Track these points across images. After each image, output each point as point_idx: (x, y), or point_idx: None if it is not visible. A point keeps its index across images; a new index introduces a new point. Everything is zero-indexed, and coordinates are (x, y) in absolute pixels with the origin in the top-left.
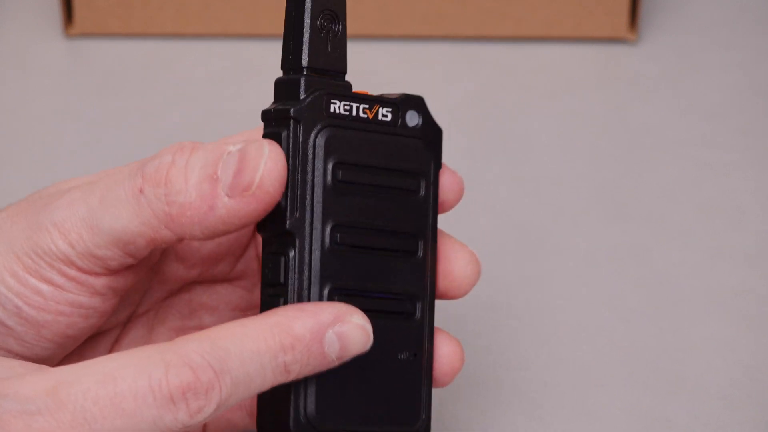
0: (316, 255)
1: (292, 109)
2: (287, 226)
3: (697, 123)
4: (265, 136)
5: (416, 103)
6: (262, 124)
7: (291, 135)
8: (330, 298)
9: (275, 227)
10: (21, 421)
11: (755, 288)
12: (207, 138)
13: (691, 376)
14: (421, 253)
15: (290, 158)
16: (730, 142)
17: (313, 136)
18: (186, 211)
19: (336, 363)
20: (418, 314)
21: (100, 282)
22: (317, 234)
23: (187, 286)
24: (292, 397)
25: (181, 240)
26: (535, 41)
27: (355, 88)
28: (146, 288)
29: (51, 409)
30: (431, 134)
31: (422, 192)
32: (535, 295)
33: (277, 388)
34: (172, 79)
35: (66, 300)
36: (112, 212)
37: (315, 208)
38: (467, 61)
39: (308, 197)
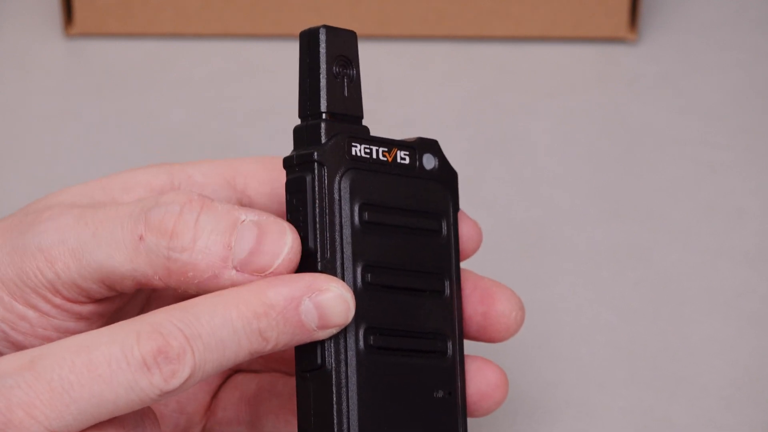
0: None
1: (315, 153)
2: (319, 268)
3: (697, 123)
4: (288, 182)
5: (432, 146)
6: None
7: (316, 178)
8: (366, 338)
9: (307, 270)
10: (1, 397)
11: (756, 288)
12: (207, 138)
13: (692, 376)
14: (447, 291)
15: (317, 201)
16: (730, 142)
17: (337, 178)
18: (188, 270)
19: (320, 334)
20: (449, 352)
21: (86, 309)
22: (349, 274)
23: None
24: None
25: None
26: (535, 41)
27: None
28: (143, 306)
29: (29, 381)
30: (447, 177)
31: (444, 232)
32: (535, 295)
33: (318, 423)
34: (172, 79)
35: (52, 326)
36: (106, 250)
37: (345, 249)
38: (467, 61)
39: (337, 238)
